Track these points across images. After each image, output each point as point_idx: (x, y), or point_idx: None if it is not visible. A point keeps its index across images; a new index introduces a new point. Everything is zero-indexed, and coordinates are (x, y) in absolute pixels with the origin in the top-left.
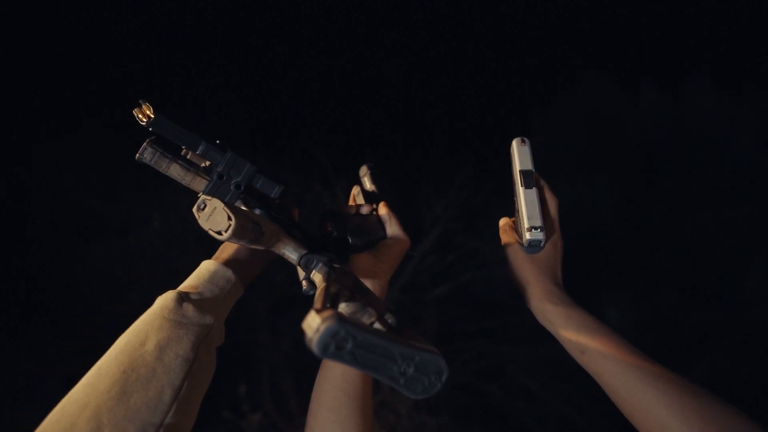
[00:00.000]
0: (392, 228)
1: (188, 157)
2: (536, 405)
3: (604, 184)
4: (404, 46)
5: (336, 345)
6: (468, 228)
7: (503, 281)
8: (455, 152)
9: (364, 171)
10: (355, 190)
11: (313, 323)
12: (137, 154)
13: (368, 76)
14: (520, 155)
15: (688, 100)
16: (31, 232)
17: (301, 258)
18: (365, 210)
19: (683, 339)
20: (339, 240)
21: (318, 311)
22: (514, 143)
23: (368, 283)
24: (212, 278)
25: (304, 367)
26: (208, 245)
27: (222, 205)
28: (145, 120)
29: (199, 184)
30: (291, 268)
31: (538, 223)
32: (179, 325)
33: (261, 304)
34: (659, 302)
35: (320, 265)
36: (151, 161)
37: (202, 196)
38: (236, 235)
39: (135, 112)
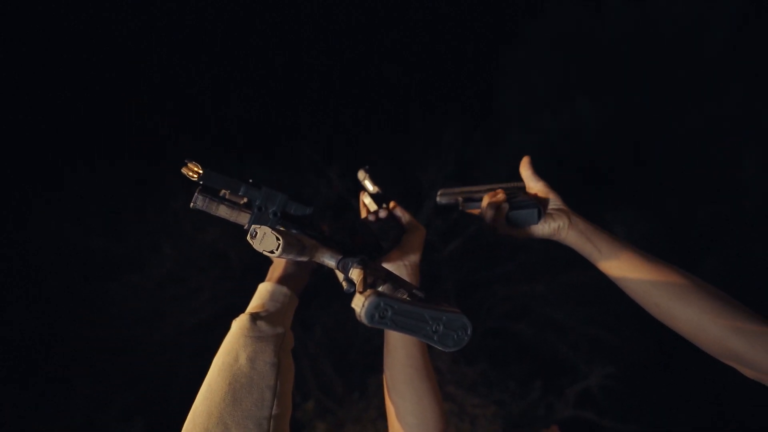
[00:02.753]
0: (408, 222)
1: (227, 196)
2: (565, 333)
3: (587, 107)
4: (366, 13)
5: (379, 314)
6: (465, 183)
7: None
8: (435, 110)
9: (362, 175)
10: (364, 197)
11: (358, 301)
12: (191, 203)
13: (332, 54)
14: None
15: (649, 3)
16: (48, 285)
17: (338, 263)
18: (383, 214)
19: (691, 237)
20: (372, 249)
21: (361, 293)
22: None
23: (403, 276)
24: (272, 296)
25: (339, 349)
26: (222, 263)
27: (270, 229)
28: (195, 176)
29: (243, 218)
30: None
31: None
32: (260, 339)
33: None
34: (662, 209)
35: (355, 264)
36: (203, 207)
37: (253, 226)
38: (285, 251)
39: (184, 170)
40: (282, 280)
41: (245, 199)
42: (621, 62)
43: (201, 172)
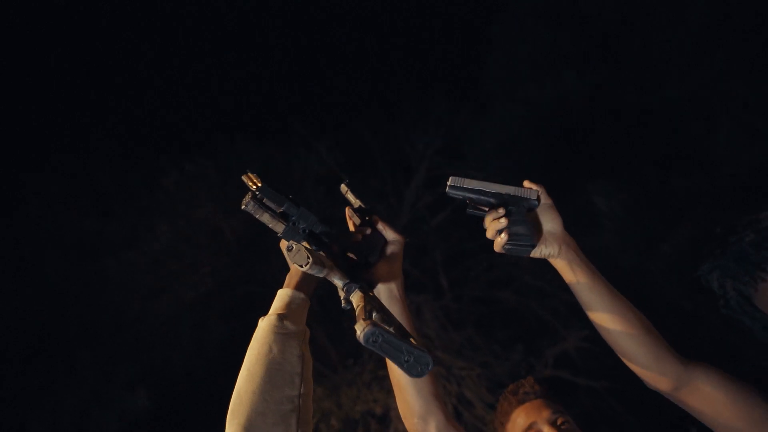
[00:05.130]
0: (389, 234)
1: (264, 201)
2: (547, 300)
3: (573, 78)
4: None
5: (372, 339)
6: (453, 157)
7: None
8: (423, 84)
9: (344, 189)
10: (349, 212)
11: (360, 326)
12: (242, 205)
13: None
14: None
15: None
16: (44, 265)
17: (344, 285)
18: (369, 232)
19: (668, 206)
20: (364, 264)
21: (363, 320)
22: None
23: (391, 281)
24: (293, 300)
25: (332, 319)
26: (219, 239)
27: (304, 248)
28: (254, 187)
29: (279, 227)
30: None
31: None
32: (288, 336)
33: (279, 274)
34: (641, 179)
35: (356, 290)
36: (251, 210)
37: (292, 241)
38: (311, 268)
39: (245, 178)
40: (299, 287)
41: (281, 209)
42: (605, 34)
43: (259, 185)
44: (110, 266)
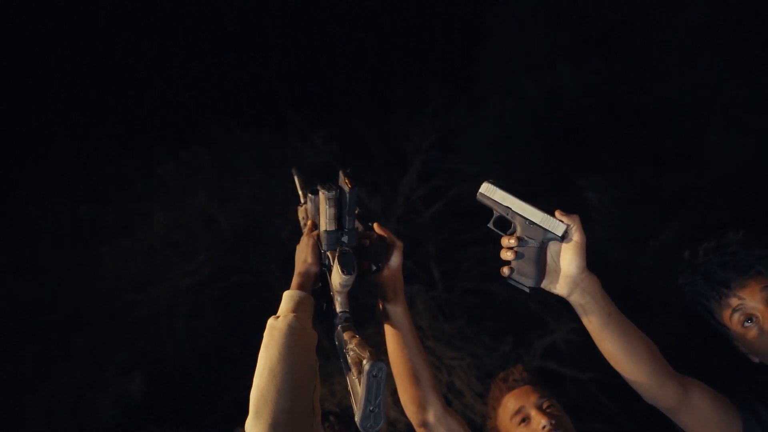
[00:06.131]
0: (390, 238)
1: (338, 201)
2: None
3: (568, 72)
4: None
5: (379, 372)
6: (447, 151)
7: None
8: (422, 80)
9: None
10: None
11: (367, 360)
12: (325, 193)
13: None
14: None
15: None
16: (40, 252)
17: (342, 313)
18: (374, 236)
19: (659, 203)
20: (375, 270)
21: (371, 353)
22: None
23: (395, 284)
24: (303, 302)
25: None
26: (214, 227)
27: (339, 267)
28: (347, 189)
29: (331, 226)
30: (295, 224)
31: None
32: (307, 337)
33: (273, 263)
34: (634, 175)
35: (348, 326)
36: (327, 199)
37: (347, 248)
38: (340, 285)
39: (342, 177)
40: (303, 288)
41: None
42: (601, 30)
43: (351, 187)
44: (105, 253)
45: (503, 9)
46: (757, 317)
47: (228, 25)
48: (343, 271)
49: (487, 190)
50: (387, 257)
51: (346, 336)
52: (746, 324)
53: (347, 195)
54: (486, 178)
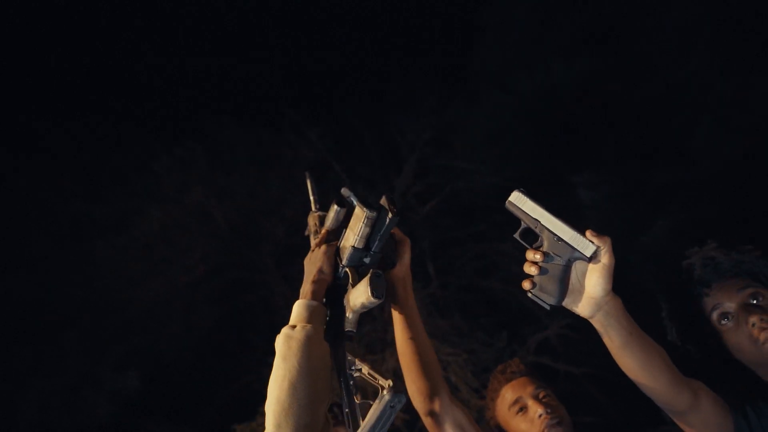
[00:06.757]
0: (399, 235)
1: (374, 222)
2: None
3: (562, 69)
4: None
5: (397, 401)
6: (442, 147)
7: (483, 186)
8: (418, 76)
9: (347, 192)
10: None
11: (388, 390)
12: (366, 211)
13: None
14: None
15: None
16: (32, 248)
17: (348, 332)
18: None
19: (649, 199)
20: (390, 265)
21: (394, 384)
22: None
23: (405, 278)
24: (317, 312)
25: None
26: (209, 224)
27: (370, 289)
28: (389, 215)
29: (360, 243)
30: (290, 221)
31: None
32: (324, 348)
33: (268, 259)
34: (624, 172)
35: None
36: (365, 219)
37: (380, 271)
38: (361, 304)
39: (384, 199)
40: (315, 297)
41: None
42: (595, 27)
43: (396, 211)
44: (99, 249)
45: (498, 6)
46: (732, 315)
47: (223, 19)
48: (373, 294)
49: (517, 200)
50: (399, 253)
51: (356, 359)
52: (722, 322)
53: (387, 219)
54: (481, 175)
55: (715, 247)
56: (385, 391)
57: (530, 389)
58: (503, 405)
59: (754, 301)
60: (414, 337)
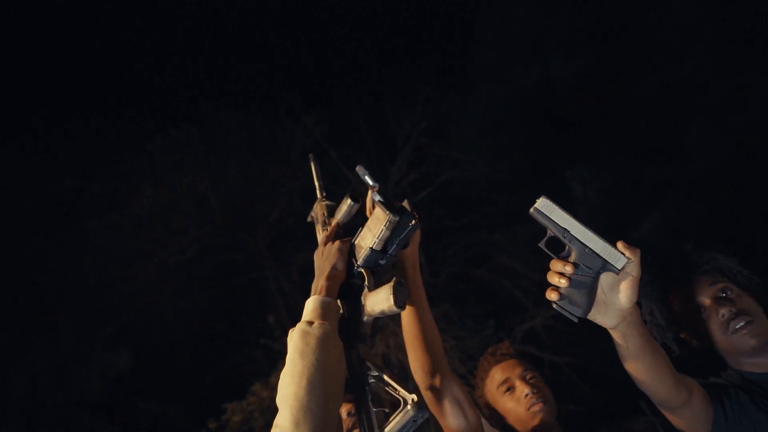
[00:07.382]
0: None
1: (394, 227)
2: (520, 279)
3: (558, 63)
4: None
5: (420, 416)
6: (437, 137)
7: (477, 177)
8: (414, 66)
9: (362, 171)
10: (373, 195)
11: (412, 405)
12: (388, 216)
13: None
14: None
15: None
16: (24, 226)
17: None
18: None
19: (640, 196)
20: (403, 246)
21: (415, 400)
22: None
23: (414, 260)
24: (331, 309)
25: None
26: (203, 205)
27: (393, 299)
28: (412, 222)
29: (378, 245)
30: (284, 205)
31: None
32: (339, 346)
33: (261, 242)
34: (617, 168)
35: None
36: (387, 224)
37: (402, 280)
38: (377, 309)
39: (407, 202)
40: (330, 294)
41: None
42: (592, 22)
43: (418, 219)
44: (91, 227)
45: (497, 1)
46: (705, 307)
47: (222, 5)
48: (396, 304)
49: (545, 207)
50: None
51: (374, 367)
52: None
53: (409, 225)
54: (478, 171)
55: (690, 246)
56: (409, 406)
57: (518, 370)
58: (492, 384)
59: (724, 295)
60: (420, 315)
